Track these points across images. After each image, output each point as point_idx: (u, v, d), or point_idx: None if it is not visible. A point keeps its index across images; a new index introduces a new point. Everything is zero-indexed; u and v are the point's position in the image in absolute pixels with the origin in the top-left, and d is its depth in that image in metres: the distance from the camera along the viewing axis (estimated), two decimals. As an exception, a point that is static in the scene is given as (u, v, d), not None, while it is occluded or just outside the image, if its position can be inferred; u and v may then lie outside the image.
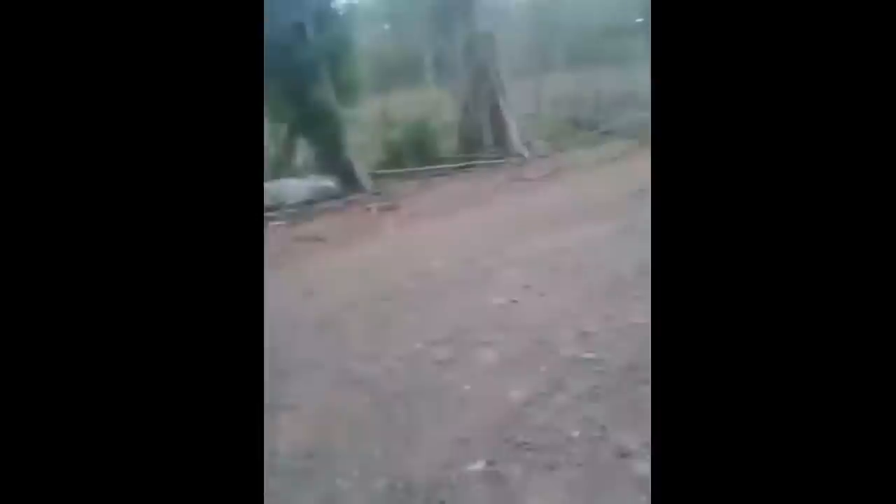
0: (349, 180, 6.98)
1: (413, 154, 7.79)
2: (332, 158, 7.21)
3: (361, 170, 7.15)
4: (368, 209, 5.74)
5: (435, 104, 10.01)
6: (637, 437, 2.07)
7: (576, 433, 2.11)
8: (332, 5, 8.30)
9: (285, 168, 7.67)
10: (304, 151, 8.18)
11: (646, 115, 9.68)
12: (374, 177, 7.18)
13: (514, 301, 3.26)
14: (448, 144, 8.33)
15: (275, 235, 5.72)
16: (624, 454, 2.03)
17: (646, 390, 2.35)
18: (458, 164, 7.68)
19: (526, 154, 7.94)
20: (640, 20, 16.06)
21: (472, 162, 7.75)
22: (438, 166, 7.53)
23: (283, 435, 2.28)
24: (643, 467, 2.01)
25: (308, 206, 6.51)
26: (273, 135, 7.89)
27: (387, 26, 21.74)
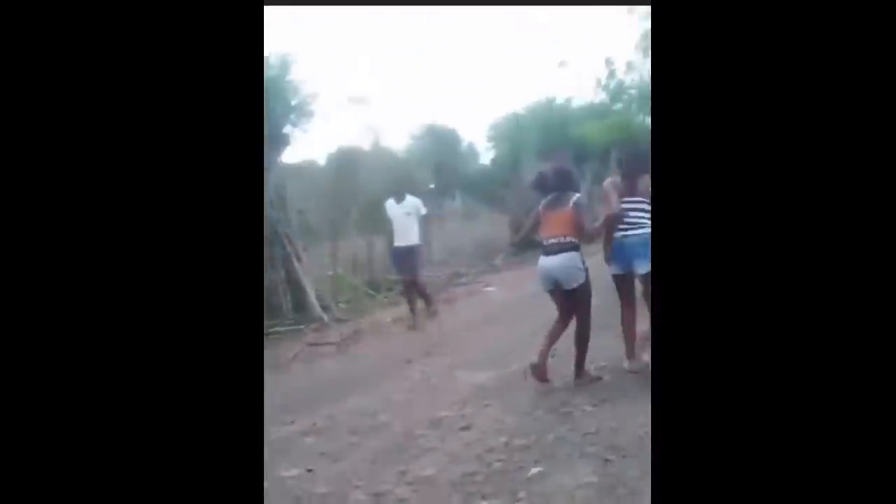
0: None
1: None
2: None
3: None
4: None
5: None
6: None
7: None
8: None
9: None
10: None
11: (436, 274, 10.36)
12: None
13: (310, 470, 3.22)
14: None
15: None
16: None
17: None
18: (256, 333, 7.55)
19: (325, 318, 8.03)
20: (431, 186, 17.56)
21: (272, 329, 7.67)
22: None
23: None
24: None
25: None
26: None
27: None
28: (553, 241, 3.96)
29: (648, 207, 3.88)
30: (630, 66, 15.93)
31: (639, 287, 4.18)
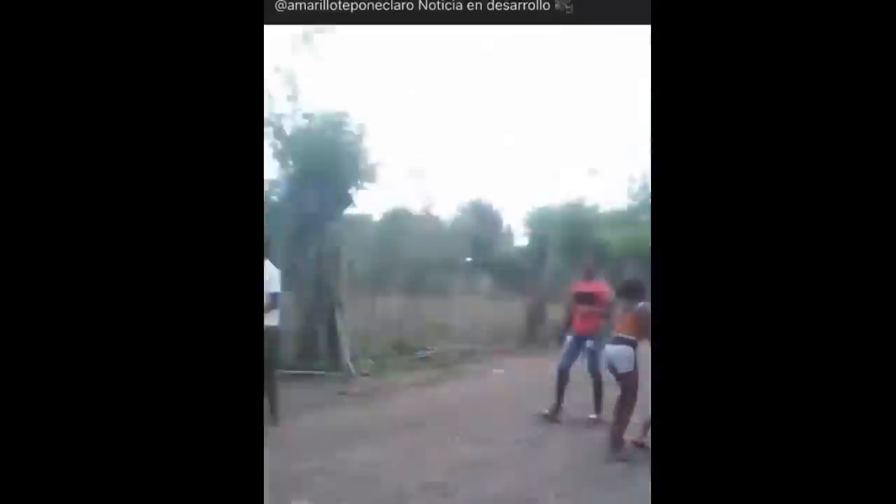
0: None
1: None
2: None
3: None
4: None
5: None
6: None
7: None
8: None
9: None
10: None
11: (458, 346, 11.19)
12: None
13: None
14: (286, 351, 9.00)
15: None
16: None
17: None
18: (291, 371, 8.41)
19: (353, 370, 8.91)
20: (468, 259, 18.36)
21: (307, 371, 8.55)
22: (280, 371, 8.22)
23: None
24: None
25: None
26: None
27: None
28: (619, 335, 5.35)
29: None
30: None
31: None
